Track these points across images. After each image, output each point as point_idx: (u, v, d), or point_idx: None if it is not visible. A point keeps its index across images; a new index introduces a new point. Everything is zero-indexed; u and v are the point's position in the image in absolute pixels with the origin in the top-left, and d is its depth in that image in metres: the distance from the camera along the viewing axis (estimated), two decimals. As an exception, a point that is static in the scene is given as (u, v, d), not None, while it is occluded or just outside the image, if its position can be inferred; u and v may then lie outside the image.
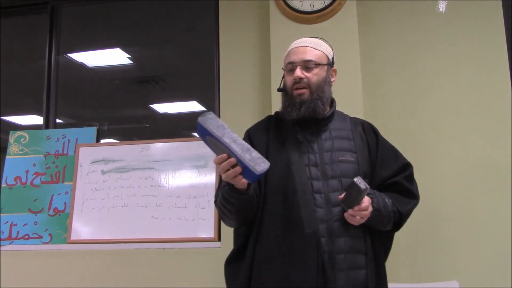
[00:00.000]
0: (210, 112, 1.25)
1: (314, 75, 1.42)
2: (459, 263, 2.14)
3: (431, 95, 2.32)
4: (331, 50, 1.51)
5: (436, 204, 2.20)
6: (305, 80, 1.41)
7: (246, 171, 1.20)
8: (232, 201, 1.31)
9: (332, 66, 1.50)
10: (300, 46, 1.46)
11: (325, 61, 1.46)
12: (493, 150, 2.20)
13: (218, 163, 1.22)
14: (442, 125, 2.29)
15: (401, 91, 2.36)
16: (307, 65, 1.42)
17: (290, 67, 1.45)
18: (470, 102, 2.27)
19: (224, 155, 1.21)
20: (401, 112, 2.35)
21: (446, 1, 2.37)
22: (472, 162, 2.22)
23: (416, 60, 2.37)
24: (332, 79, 1.50)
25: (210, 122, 1.22)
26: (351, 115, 1.60)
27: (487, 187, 2.18)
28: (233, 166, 1.21)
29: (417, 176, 1.55)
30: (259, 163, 1.18)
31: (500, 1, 2.32)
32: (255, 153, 1.20)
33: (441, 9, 2.37)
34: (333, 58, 1.50)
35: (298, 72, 1.41)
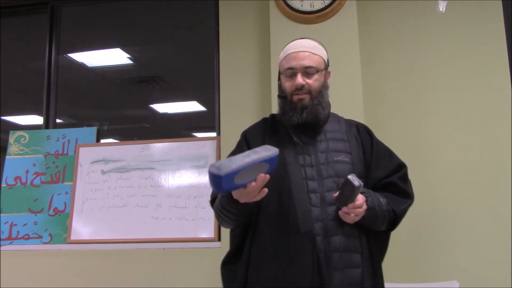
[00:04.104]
0: (215, 163, 1.11)
1: (315, 81, 1.42)
2: (459, 263, 2.14)
3: (432, 95, 2.33)
4: (326, 52, 1.51)
5: (436, 204, 2.21)
6: (306, 86, 1.41)
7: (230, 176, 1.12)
8: (232, 211, 1.32)
9: (327, 69, 1.50)
10: (299, 51, 1.44)
11: (323, 66, 1.46)
12: (493, 150, 2.20)
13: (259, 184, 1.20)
14: (442, 125, 2.29)
15: (402, 91, 2.37)
16: (308, 72, 1.42)
17: (290, 72, 1.44)
18: (471, 102, 2.27)
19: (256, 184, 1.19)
20: (401, 112, 2.35)
21: (446, 1, 2.37)
22: (473, 163, 2.22)
23: (416, 60, 2.37)
24: (328, 81, 1.51)
25: (227, 165, 1.09)
26: (352, 116, 1.60)
27: (487, 188, 2.18)
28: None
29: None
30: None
31: (500, 1, 2.32)
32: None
33: (441, 9, 2.38)
34: (328, 60, 1.51)
35: (300, 79, 1.40)
